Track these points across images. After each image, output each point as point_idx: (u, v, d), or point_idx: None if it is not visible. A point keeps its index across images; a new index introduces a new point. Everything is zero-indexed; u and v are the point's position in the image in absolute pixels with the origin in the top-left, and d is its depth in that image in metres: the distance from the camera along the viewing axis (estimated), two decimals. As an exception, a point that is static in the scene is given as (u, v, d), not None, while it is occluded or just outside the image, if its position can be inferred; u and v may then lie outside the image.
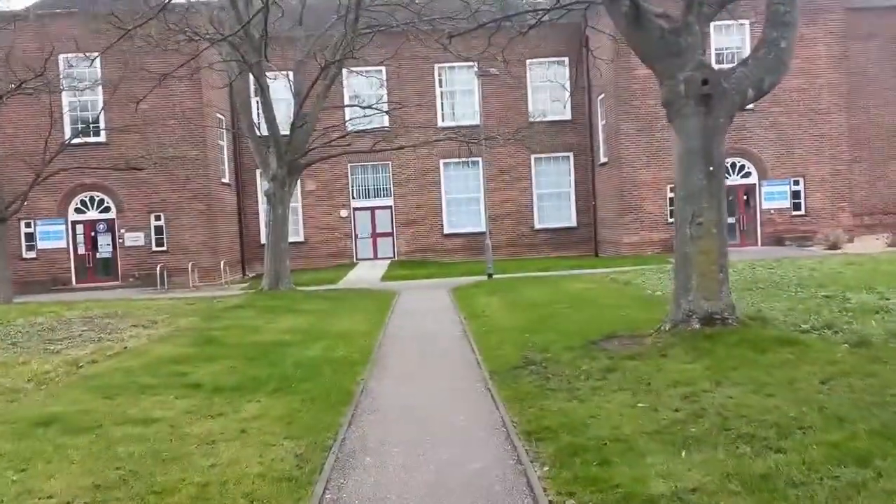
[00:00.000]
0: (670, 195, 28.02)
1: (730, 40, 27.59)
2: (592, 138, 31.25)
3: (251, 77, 18.49)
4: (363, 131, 22.10)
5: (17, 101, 24.10)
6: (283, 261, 18.67)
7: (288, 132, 18.63)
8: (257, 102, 19.81)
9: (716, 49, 27.70)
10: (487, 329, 11.54)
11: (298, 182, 31.54)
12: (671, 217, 28.08)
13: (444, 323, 12.99)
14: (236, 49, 16.75)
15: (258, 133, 18.92)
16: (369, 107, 19.77)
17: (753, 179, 28.00)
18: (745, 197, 28.24)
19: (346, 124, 20.34)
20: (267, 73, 18.83)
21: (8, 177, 23.96)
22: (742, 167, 28.00)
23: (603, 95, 29.65)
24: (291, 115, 19.59)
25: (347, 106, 22.44)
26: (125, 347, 10.42)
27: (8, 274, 19.48)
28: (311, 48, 18.43)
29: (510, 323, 11.89)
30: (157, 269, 25.38)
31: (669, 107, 8.76)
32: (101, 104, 26.96)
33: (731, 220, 28.33)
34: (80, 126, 20.31)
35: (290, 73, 20.74)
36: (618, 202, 28.37)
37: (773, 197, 28.16)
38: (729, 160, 27.87)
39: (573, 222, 32.27)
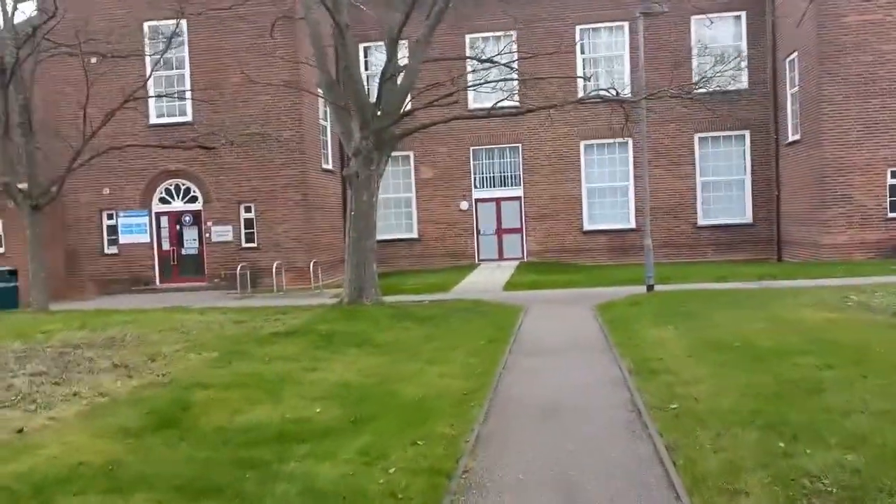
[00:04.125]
0: (892, 181, 21.06)
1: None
2: (777, 111, 24.57)
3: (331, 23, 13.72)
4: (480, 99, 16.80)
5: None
6: (369, 265, 13.87)
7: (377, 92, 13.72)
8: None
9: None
10: (682, 409, 6.10)
11: (412, 166, 27.16)
12: (893, 210, 21.19)
13: (597, 382, 7.63)
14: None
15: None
16: (489, 60, 14.57)
17: None
18: None
19: (461, 79, 14.96)
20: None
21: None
22: None
23: (795, 55, 22.98)
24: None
25: (460, 59, 17.24)
26: (20, 430, 5.81)
27: (43, 276, 15.88)
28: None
29: (722, 395, 6.38)
30: (238, 269, 21.37)
31: None
32: (187, 78, 23.51)
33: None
34: (133, 96, 16.43)
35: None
36: (816, 192, 21.68)
37: None
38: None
39: (748, 218, 25.72)
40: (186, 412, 6.20)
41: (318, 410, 6.34)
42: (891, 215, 20.97)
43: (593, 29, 26.44)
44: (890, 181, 21.02)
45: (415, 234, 27.07)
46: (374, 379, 7.69)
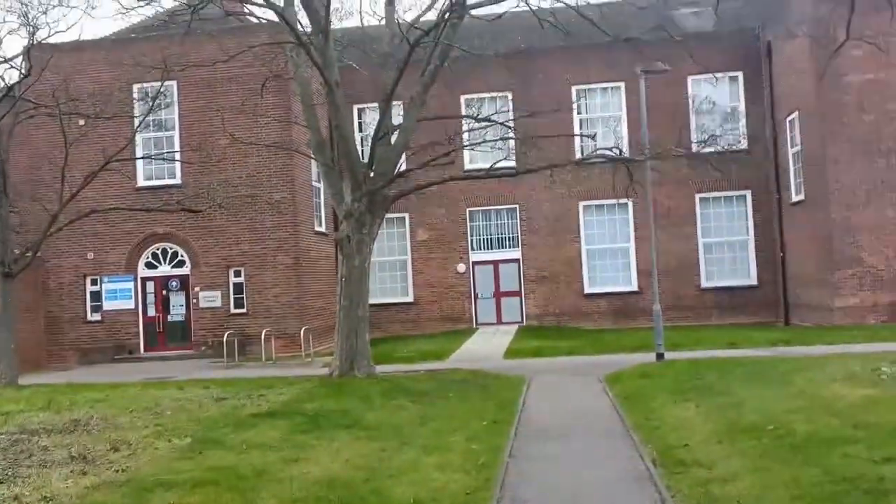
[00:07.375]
0: (902, 242, 20.39)
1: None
2: (779, 171, 24.10)
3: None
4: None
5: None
6: (361, 334, 12.99)
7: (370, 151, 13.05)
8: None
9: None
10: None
11: (407, 228, 26.42)
12: (904, 272, 20.46)
13: (619, 479, 6.68)
14: (288, 24, 11.53)
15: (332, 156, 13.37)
16: (486, 119, 14.03)
17: None
18: None
19: (458, 138, 14.36)
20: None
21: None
22: None
23: (797, 114, 22.60)
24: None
25: (457, 117, 16.69)
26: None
27: (12, 347, 14.90)
28: (402, 34, 12.96)
29: (769, 499, 5.46)
30: (225, 337, 20.34)
31: None
32: (176, 139, 22.97)
33: None
34: (112, 156, 15.72)
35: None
36: (823, 253, 21.01)
37: None
38: None
39: (752, 280, 24.99)
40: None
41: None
42: (902, 276, 20.27)
43: (589, 90, 26.16)
44: (900, 242, 20.38)
45: (410, 298, 26.23)
46: (363, 473, 6.75)
